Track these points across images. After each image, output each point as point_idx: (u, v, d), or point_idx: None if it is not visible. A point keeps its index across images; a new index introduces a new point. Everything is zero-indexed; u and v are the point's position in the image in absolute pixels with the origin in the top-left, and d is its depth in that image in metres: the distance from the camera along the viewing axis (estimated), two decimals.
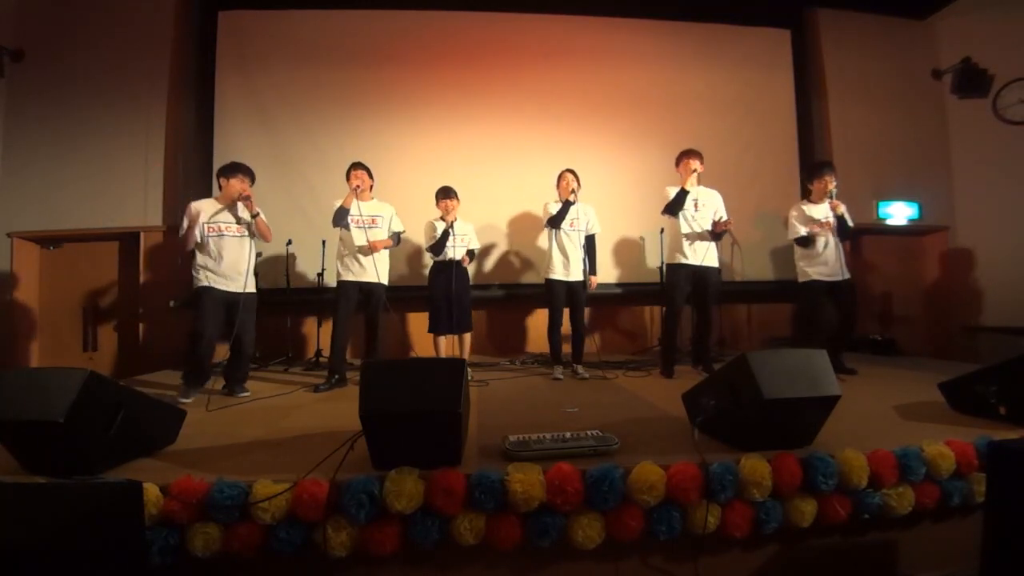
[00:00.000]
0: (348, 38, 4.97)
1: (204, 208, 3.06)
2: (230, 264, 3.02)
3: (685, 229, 3.47)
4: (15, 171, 4.40)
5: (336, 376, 3.31)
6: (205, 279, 2.98)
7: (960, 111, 5.22)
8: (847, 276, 3.57)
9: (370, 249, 3.39)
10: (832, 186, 3.56)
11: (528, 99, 5.08)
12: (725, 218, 3.48)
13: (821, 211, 3.59)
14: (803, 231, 3.60)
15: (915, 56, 5.39)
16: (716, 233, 3.48)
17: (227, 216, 3.07)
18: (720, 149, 5.10)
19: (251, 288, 3.12)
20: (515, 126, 5.05)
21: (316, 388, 3.24)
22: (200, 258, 3.03)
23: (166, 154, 4.51)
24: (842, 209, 3.49)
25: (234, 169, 3.11)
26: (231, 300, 3.03)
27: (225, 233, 3.04)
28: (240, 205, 3.06)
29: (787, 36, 5.50)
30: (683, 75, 5.27)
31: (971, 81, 4.97)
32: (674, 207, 3.44)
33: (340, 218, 3.38)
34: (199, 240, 3.02)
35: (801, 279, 3.70)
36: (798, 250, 3.70)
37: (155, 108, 4.52)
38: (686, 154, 3.53)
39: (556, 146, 4.96)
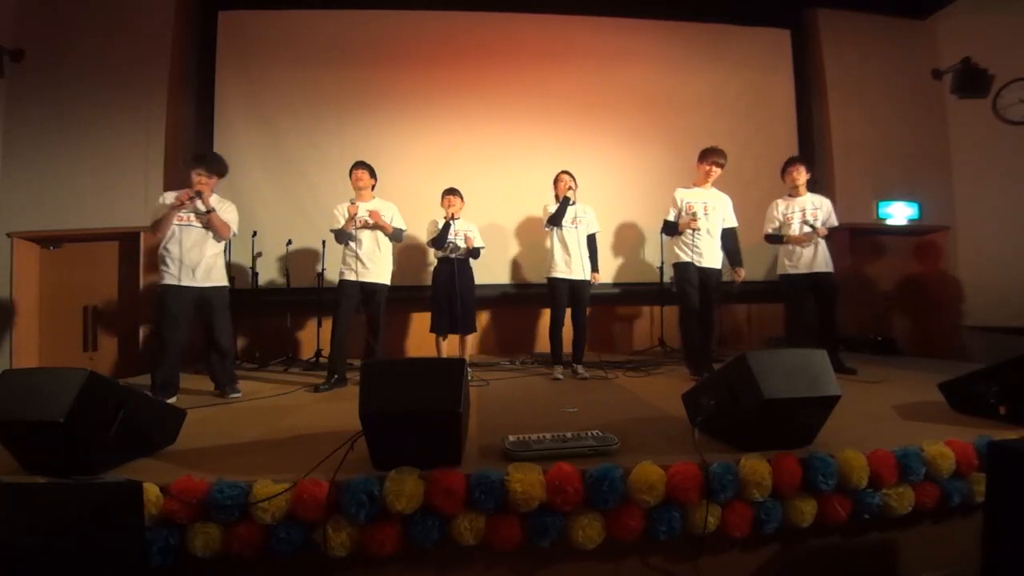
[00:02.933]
0: (348, 38, 4.97)
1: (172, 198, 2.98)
2: (190, 254, 2.92)
3: (689, 231, 3.46)
4: (15, 171, 4.40)
5: (336, 376, 3.31)
6: (166, 275, 2.91)
7: (960, 111, 5.22)
8: (827, 269, 3.58)
9: (372, 222, 3.38)
10: (802, 178, 3.63)
11: (528, 99, 5.08)
12: (734, 224, 3.60)
13: (798, 205, 3.65)
14: (770, 228, 3.74)
15: (915, 56, 5.39)
16: (727, 241, 3.58)
17: (192, 207, 2.98)
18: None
19: (218, 282, 3.04)
20: (515, 126, 5.06)
21: (316, 388, 3.24)
22: (164, 249, 2.94)
23: (166, 154, 4.50)
24: (823, 232, 3.55)
25: (195, 160, 3.02)
26: (199, 296, 2.96)
27: (191, 224, 2.96)
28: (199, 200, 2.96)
29: (787, 36, 5.51)
30: (683, 75, 5.28)
31: (971, 81, 4.97)
32: (669, 232, 3.54)
33: (341, 239, 3.42)
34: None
35: (779, 271, 3.75)
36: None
37: (155, 108, 4.52)
38: (710, 155, 3.48)
39: (556, 146, 4.97)
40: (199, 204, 2.96)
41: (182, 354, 2.98)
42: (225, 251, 4.63)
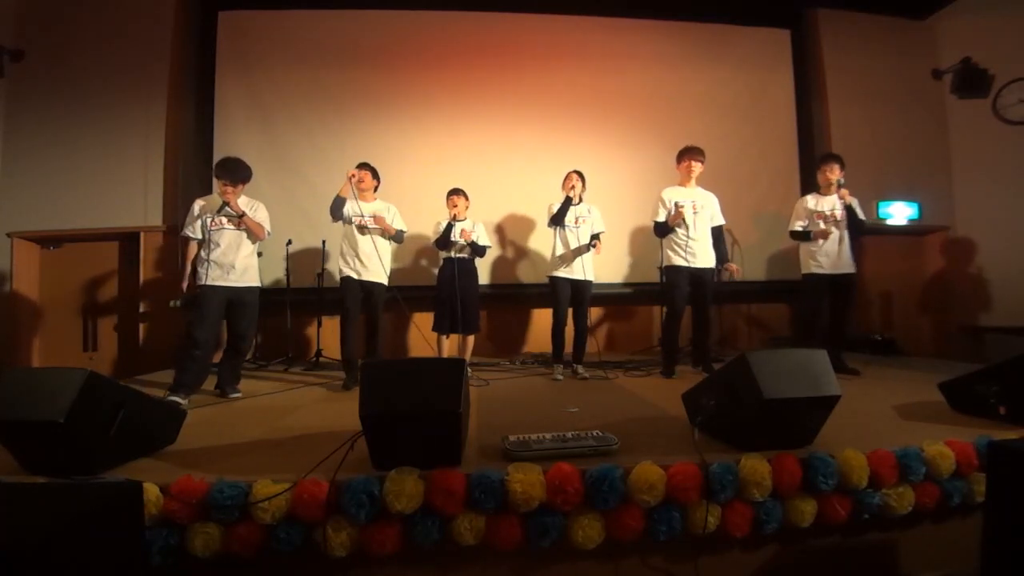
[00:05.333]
0: (348, 38, 4.97)
1: (206, 204, 3.11)
2: (226, 255, 3.02)
3: (682, 232, 3.47)
4: (15, 171, 4.39)
5: (356, 370, 3.33)
6: (205, 275, 3.00)
7: (960, 111, 5.22)
8: (850, 271, 3.56)
9: (373, 223, 3.42)
10: (835, 176, 3.55)
11: (528, 99, 5.08)
12: (722, 222, 3.57)
13: (828, 203, 3.58)
14: (798, 225, 3.66)
15: (915, 56, 5.39)
16: (718, 238, 3.56)
17: (225, 214, 3.09)
18: (720, 149, 5.08)
19: (252, 282, 3.14)
20: (515, 126, 5.05)
21: (346, 386, 3.28)
22: (202, 252, 3.06)
23: (166, 154, 4.50)
24: (851, 200, 3.47)
25: (219, 171, 3.12)
26: (232, 296, 3.04)
27: (225, 227, 3.07)
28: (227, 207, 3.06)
29: (787, 36, 5.50)
30: (683, 75, 5.27)
31: (971, 81, 4.97)
32: (662, 232, 3.51)
33: (337, 207, 3.40)
34: (200, 236, 3.05)
35: (804, 270, 3.72)
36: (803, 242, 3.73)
37: (155, 108, 4.51)
38: (688, 154, 3.52)
39: (556, 146, 4.96)
40: (229, 212, 3.05)
41: (211, 357, 3.06)
42: None
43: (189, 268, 3.11)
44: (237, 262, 3.05)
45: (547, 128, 5.06)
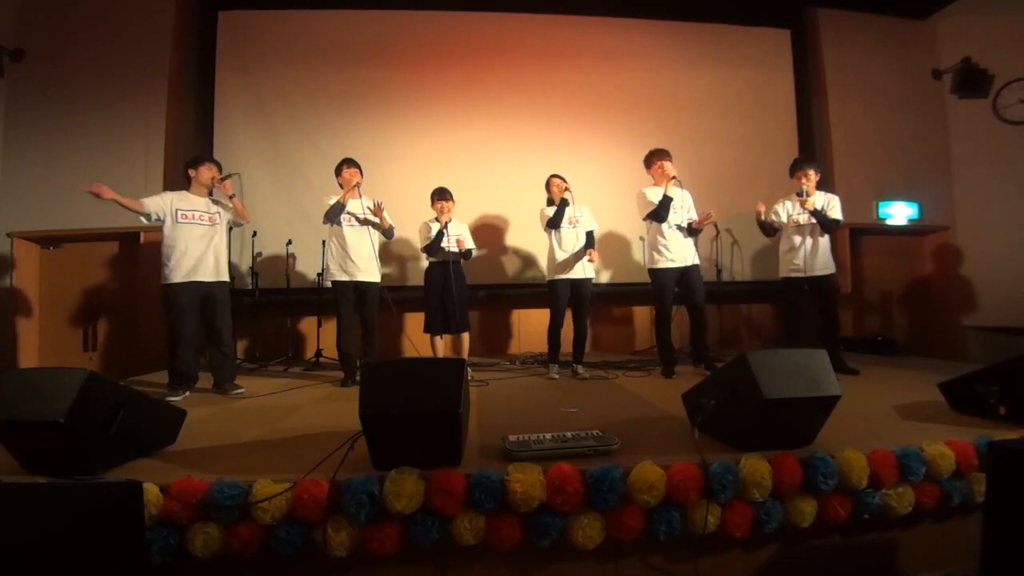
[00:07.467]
0: (348, 38, 4.97)
1: (172, 198, 3.04)
2: (196, 251, 2.99)
3: (666, 231, 3.46)
4: (15, 171, 4.40)
5: (356, 372, 3.38)
6: (174, 273, 2.95)
7: (960, 111, 5.22)
8: (828, 272, 3.58)
9: (375, 213, 3.42)
10: (804, 183, 3.54)
11: (527, 99, 5.08)
12: (696, 218, 3.51)
13: (799, 207, 3.59)
14: (763, 216, 3.69)
15: (915, 56, 5.39)
16: (695, 229, 3.52)
17: (199, 205, 3.07)
18: (720, 149, 5.12)
19: (223, 277, 3.12)
20: (514, 126, 5.05)
21: (344, 383, 3.36)
22: (167, 247, 2.99)
23: (166, 154, 4.50)
24: (814, 205, 3.48)
25: (204, 158, 3.14)
26: (205, 292, 3.02)
27: (195, 222, 3.03)
28: (215, 190, 3.06)
29: (787, 36, 5.51)
30: (683, 75, 5.27)
31: (971, 81, 4.97)
32: (661, 214, 3.43)
33: (335, 214, 3.38)
34: (153, 218, 3.00)
35: (781, 273, 3.74)
36: (781, 245, 3.75)
37: (155, 108, 4.51)
38: (659, 155, 3.53)
39: (555, 146, 4.97)
40: (225, 198, 3.07)
41: (195, 346, 3.08)
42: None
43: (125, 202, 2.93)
44: (208, 257, 3.02)
45: (546, 128, 5.06)
